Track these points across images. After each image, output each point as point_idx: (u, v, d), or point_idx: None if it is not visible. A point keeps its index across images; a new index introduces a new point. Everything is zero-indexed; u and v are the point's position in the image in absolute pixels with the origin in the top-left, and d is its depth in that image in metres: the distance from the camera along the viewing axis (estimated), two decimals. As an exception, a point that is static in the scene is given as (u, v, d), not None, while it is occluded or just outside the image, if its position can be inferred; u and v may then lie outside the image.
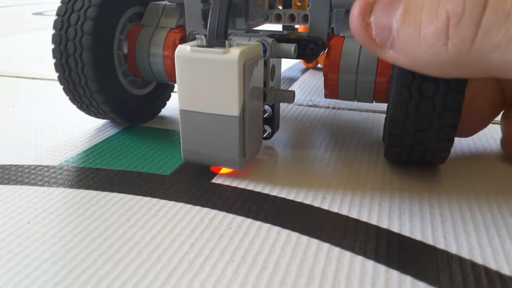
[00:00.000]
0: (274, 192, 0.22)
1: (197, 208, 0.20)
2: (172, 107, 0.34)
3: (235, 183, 0.22)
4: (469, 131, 0.26)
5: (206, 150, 0.22)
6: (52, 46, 0.26)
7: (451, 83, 0.20)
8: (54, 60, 0.26)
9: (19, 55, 0.58)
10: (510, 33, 0.14)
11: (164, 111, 0.33)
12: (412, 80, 0.20)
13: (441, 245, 0.18)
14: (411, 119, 0.20)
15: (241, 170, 0.23)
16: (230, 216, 0.20)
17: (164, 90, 0.32)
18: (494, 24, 0.14)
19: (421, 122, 0.20)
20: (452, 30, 0.15)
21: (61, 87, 0.27)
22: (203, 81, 0.21)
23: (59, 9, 0.26)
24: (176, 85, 0.29)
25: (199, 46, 0.21)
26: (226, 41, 0.20)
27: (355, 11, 0.18)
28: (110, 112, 0.28)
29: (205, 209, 0.20)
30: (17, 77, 0.45)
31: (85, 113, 0.29)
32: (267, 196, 0.21)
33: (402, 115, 0.20)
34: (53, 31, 0.26)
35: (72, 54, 0.26)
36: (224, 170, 0.23)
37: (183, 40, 0.27)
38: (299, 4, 0.30)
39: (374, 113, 0.33)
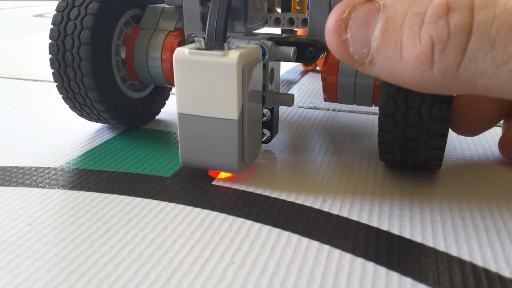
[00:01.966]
0: (275, 194, 0.22)
1: (197, 210, 0.20)
2: (173, 108, 0.34)
3: (235, 185, 0.22)
4: (474, 130, 0.25)
5: (204, 154, 0.22)
6: (50, 56, 0.26)
7: (437, 94, 0.20)
8: (52, 70, 0.26)
9: (20, 57, 0.58)
10: (496, 61, 0.14)
11: (164, 113, 0.33)
12: (397, 91, 0.20)
13: (441, 247, 0.18)
14: (399, 129, 0.21)
15: (239, 174, 0.23)
16: (231, 218, 0.20)
17: (162, 91, 0.32)
18: (480, 51, 0.14)
19: (409, 132, 0.21)
20: (437, 56, 0.15)
21: (61, 96, 0.27)
22: (201, 84, 0.21)
23: (55, 18, 0.26)
24: (174, 87, 0.29)
25: (197, 48, 0.21)
26: (225, 44, 0.20)
27: (329, 26, 0.17)
28: (111, 119, 0.28)
29: (206, 211, 0.20)
30: (18, 79, 0.45)
31: (86, 119, 0.29)
32: (267, 198, 0.21)
33: (390, 125, 0.21)
34: (49, 41, 0.26)
35: (71, 64, 0.25)
36: (222, 174, 0.23)
37: (181, 44, 0.27)
38: (298, 8, 0.30)
39: (374, 115, 0.33)
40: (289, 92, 0.25)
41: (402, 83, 0.16)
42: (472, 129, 0.25)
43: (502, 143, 0.25)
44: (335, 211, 0.20)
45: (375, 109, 0.34)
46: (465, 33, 0.14)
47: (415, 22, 0.15)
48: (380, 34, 0.16)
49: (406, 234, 0.19)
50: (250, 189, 0.22)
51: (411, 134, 0.21)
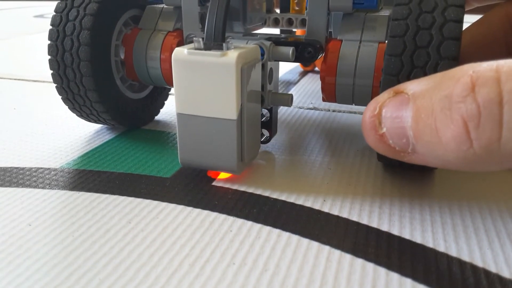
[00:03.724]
0: (275, 195, 0.22)
1: (197, 210, 0.20)
2: (172, 109, 0.34)
3: (235, 186, 0.22)
4: None
5: (203, 154, 0.22)
6: (49, 57, 0.26)
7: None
8: (51, 71, 0.26)
9: (20, 57, 0.58)
10: None
11: (164, 113, 0.33)
12: None
13: (441, 248, 0.18)
14: None
15: (239, 174, 0.23)
16: (231, 218, 0.20)
17: (161, 92, 0.32)
18: None
19: None
20: (473, 133, 0.15)
21: (60, 97, 0.27)
22: (200, 84, 0.21)
23: (54, 19, 0.26)
24: (172, 88, 0.29)
25: (196, 49, 0.21)
26: (224, 44, 0.20)
27: (364, 124, 0.18)
28: (110, 120, 0.28)
29: (206, 212, 0.20)
30: (18, 79, 0.45)
31: (85, 120, 0.29)
32: (267, 199, 0.21)
33: None
34: (48, 42, 0.26)
35: (70, 65, 0.25)
36: (222, 175, 0.23)
37: (180, 44, 0.27)
38: (297, 8, 0.30)
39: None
40: (288, 93, 0.24)
41: (450, 165, 0.16)
42: None
43: None
44: (335, 212, 0.20)
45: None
46: (496, 105, 0.14)
47: (444, 104, 0.15)
48: (414, 123, 0.16)
49: (406, 235, 0.19)
50: (250, 190, 0.22)
51: None
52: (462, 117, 0.15)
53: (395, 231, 0.19)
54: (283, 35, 0.26)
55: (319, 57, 0.25)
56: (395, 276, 0.16)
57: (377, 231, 0.19)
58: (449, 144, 0.15)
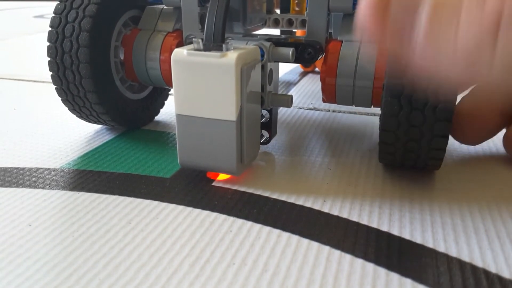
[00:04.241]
0: (275, 196, 0.22)
1: (197, 211, 0.20)
2: (172, 109, 0.34)
3: (235, 186, 0.22)
4: (477, 140, 0.25)
5: (203, 156, 0.22)
6: (48, 59, 0.26)
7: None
8: (51, 73, 0.26)
9: (20, 57, 0.58)
10: None
11: (163, 114, 0.33)
12: (402, 90, 0.20)
13: (441, 248, 0.18)
14: (402, 129, 0.20)
15: (238, 176, 0.23)
16: (231, 219, 0.20)
17: (161, 92, 0.32)
18: None
19: (412, 132, 0.20)
20: (502, 31, 0.13)
21: (60, 98, 0.27)
22: (199, 85, 0.21)
23: (53, 20, 0.26)
24: (172, 89, 0.29)
25: (196, 49, 0.21)
26: (223, 45, 0.20)
27: (364, 7, 0.15)
28: (110, 121, 0.28)
29: (206, 212, 0.20)
30: (18, 79, 0.45)
31: (85, 121, 0.29)
32: (267, 199, 0.21)
33: (393, 125, 0.21)
34: (48, 44, 0.26)
35: (69, 67, 0.25)
36: (222, 176, 0.23)
37: (180, 45, 0.27)
38: (297, 9, 0.30)
39: (374, 116, 0.33)
40: (288, 93, 0.24)
41: (454, 70, 0.14)
42: (474, 139, 0.25)
43: (507, 139, 0.25)
44: (335, 212, 0.20)
45: (375, 110, 0.34)
46: None
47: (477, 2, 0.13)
48: (429, 21, 0.14)
49: (406, 235, 0.19)
50: (250, 190, 0.22)
51: (414, 135, 0.20)
52: (496, 11, 0.13)
53: (395, 231, 0.19)
54: (283, 36, 0.26)
55: (319, 58, 0.25)
56: (395, 276, 0.16)
57: (377, 231, 0.19)
58: (467, 38, 0.13)
